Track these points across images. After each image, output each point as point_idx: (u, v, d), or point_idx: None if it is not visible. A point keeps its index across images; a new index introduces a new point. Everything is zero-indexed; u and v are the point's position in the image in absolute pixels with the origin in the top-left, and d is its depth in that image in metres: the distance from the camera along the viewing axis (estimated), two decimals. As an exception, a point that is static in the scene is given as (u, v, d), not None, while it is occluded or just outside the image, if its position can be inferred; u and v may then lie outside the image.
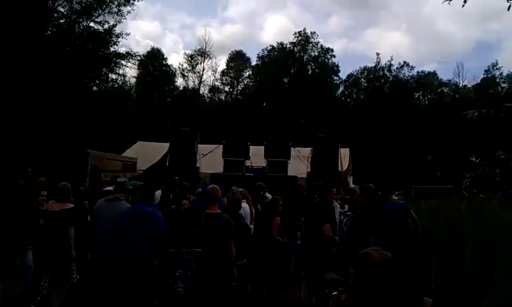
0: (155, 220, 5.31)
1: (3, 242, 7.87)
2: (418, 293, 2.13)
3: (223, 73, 53.81)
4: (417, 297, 2.12)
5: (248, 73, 53.78)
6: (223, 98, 54.83)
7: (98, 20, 23.78)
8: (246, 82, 53.90)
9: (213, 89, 54.49)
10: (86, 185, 8.09)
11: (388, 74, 51.86)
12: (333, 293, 2.32)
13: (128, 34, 39.39)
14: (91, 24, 23.57)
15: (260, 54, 52.00)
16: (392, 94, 49.19)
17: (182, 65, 52.83)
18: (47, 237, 6.04)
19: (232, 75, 53.88)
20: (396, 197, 9.52)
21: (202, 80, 53.23)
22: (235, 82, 53.99)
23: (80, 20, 23.01)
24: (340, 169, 14.42)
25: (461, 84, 52.50)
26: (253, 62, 53.38)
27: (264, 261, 6.74)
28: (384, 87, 51.22)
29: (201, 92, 54.19)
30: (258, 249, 6.83)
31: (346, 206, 7.35)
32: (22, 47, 16.50)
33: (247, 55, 54.19)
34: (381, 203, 7.05)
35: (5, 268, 6.57)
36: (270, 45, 51.98)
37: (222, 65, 59.06)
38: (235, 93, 54.35)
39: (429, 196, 12.27)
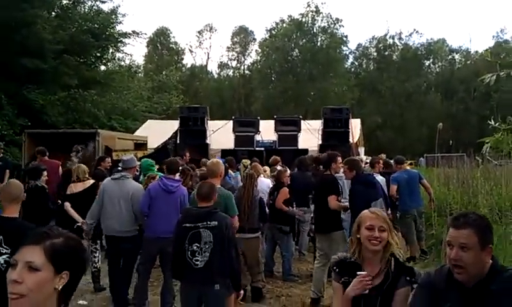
0: (180, 195, 5.34)
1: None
2: None
3: (228, 48, 53.38)
4: None
5: (253, 48, 53.19)
6: (231, 74, 54.47)
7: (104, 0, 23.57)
8: (253, 57, 53.40)
9: (221, 65, 54.19)
10: (105, 164, 8.10)
11: (398, 42, 50.89)
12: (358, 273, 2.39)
13: (133, 15, 39.27)
14: (96, 4, 23.36)
15: (269, 27, 51.22)
16: (402, 62, 48.42)
17: (190, 42, 52.61)
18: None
19: (237, 50, 53.32)
20: (409, 167, 9.47)
21: (209, 56, 53.00)
22: (242, 57, 53.50)
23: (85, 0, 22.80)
24: (351, 140, 14.38)
25: (472, 51, 51.33)
26: (259, 36, 52.75)
27: (276, 232, 6.84)
28: (394, 56, 50.36)
29: (209, 68, 53.96)
30: (269, 220, 6.91)
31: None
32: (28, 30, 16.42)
33: (250, 29, 53.46)
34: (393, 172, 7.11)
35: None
36: (280, 18, 51.02)
37: (227, 41, 58.53)
38: (242, 68, 53.92)
39: (442, 165, 12.17)
